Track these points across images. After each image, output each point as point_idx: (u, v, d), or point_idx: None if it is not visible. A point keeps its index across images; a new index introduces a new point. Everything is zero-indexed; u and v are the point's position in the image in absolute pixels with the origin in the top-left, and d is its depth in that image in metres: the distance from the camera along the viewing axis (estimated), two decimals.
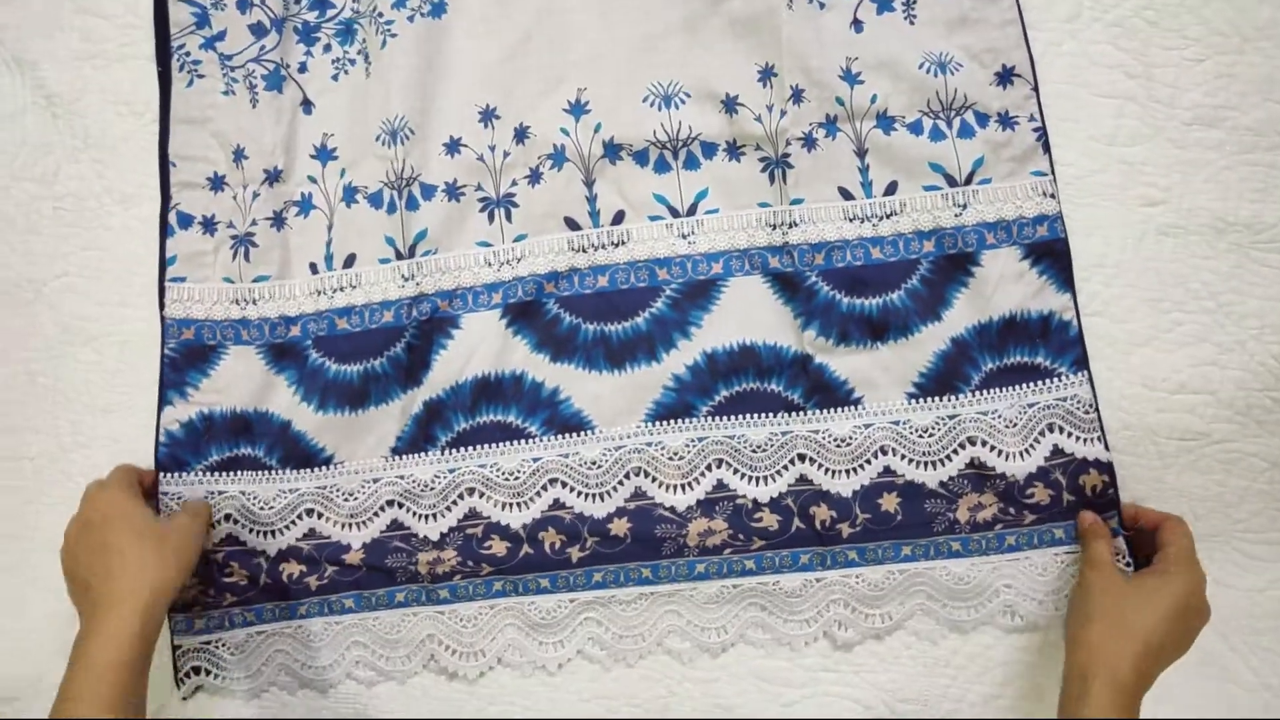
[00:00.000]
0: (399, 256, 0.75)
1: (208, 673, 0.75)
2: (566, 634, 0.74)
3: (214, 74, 0.77)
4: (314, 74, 0.77)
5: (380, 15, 0.76)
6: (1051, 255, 0.71)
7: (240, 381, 0.75)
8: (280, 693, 0.76)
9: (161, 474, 0.75)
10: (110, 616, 0.63)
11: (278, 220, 0.77)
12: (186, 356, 0.76)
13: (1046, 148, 0.72)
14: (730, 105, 0.74)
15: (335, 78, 0.77)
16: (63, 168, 0.79)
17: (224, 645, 0.75)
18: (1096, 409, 0.71)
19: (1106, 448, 0.70)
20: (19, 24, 0.79)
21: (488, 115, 0.76)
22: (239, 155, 0.76)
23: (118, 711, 0.61)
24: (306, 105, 0.77)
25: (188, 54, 0.77)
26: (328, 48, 0.77)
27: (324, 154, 0.77)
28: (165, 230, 0.76)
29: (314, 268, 0.76)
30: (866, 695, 0.73)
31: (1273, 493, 0.71)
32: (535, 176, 0.75)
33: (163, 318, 0.76)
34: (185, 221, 0.76)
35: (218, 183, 0.76)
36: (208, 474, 0.75)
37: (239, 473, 0.75)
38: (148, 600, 0.64)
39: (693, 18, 0.74)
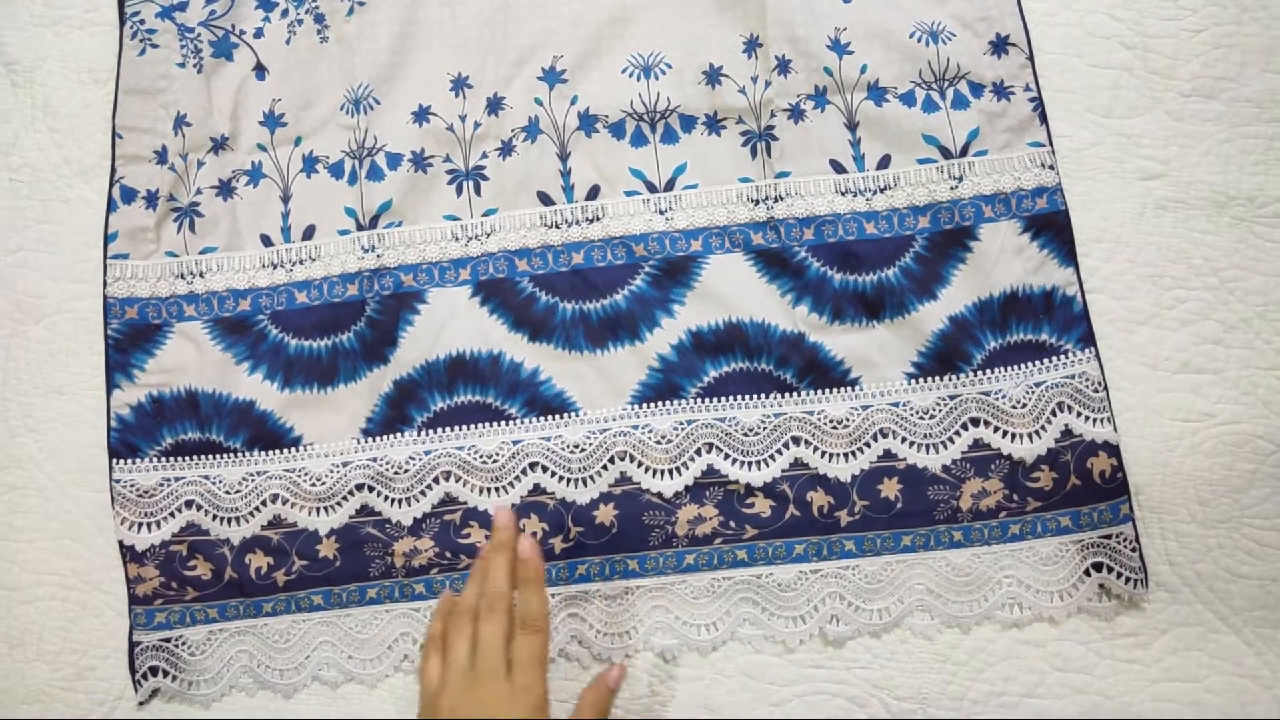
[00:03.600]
0: (360, 228, 0.65)
1: (165, 674, 0.64)
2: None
3: (170, 44, 0.67)
4: (270, 39, 0.68)
5: None
6: (1052, 228, 0.62)
7: (189, 361, 0.65)
8: (240, 694, 0.65)
9: (114, 460, 0.65)
10: None
11: (225, 189, 0.67)
12: (130, 337, 0.66)
13: (1044, 118, 0.63)
14: (714, 76, 0.65)
15: (288, 41, 0.68)
16: (20, 137, 0.69)
17: (184, 644, 0.64)
18: (1105, 387, 0.61)
19: (1115, 429, 0.61)
20: None
21: (460, 84, 0.66)
22: (180, 122, 0.67)
23: None
24: (260, 71, 0.67)
25: (142, 21, 0.67)
26: (285, 12, 0.68)
27: (272, 120, 0.67)
28: (110, 205, 0.67)
29: (267, 239, 0.66)
30: (861, 693, 0.62)
31: None
32: (507, 149, 0.66)
33: (105, 297, 0.66)
34: (129, 196, 0.67)
35: (164, 155, 0.67)
36: (162, 459, 0.65)
37: (201, 457, 0.65)
38: None
39: None
